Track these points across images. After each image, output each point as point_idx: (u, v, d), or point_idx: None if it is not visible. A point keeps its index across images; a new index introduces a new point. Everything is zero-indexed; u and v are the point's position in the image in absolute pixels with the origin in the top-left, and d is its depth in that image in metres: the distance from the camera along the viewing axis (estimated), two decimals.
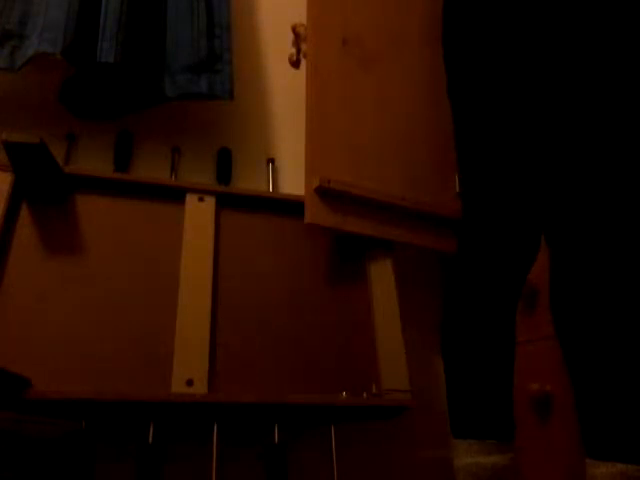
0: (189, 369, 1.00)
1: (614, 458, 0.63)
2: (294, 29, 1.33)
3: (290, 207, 1.24)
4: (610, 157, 0.73)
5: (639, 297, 0.66)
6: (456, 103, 0.93)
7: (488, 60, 0.85)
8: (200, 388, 0.99)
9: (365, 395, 1.08)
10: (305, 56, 1.28)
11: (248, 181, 1.40)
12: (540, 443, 1.13)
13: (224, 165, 1.38)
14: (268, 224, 1.23)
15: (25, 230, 1.05)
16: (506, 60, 0.83)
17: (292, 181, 1.44)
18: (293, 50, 1.34)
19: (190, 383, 0.99)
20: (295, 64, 1.34)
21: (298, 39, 1.32)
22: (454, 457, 0.82)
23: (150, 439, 0.98)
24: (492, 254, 0.86)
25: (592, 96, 0.74)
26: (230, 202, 1.22)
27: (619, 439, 0.64)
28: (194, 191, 1.18)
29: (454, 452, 0.82)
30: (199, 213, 1.17)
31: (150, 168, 1.32)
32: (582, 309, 0.69)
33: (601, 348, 0.66)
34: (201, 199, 1.18)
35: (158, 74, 1.28)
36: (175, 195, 1.17)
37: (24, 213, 1.06)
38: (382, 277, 1.23)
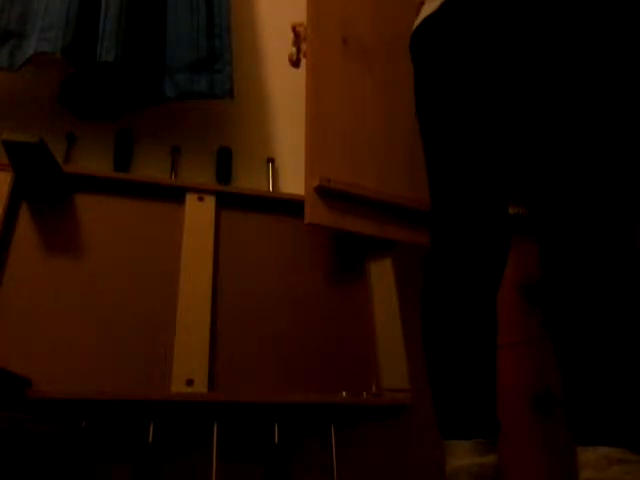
0: (189, 369, 1.00)
1: (598, 442, 0.66)
2: (294, 29, 1.33)
3: (290, 207, 1.24)
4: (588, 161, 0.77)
5: (616, 292, 0.70)
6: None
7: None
8: (200, 388, 0.99)
9: (365, 395, 1.08)
10: (305, 55, 1.28)
11: (248, 181, 1.40)
12: (542, 442, 1.13)
13: (224, 165, 1.38)
14: (268, 224, 1.23)
15: (25, 230, 1.05)
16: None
17: (292, 181, 1.44)
18: (293, 50, 1.34)
19: (190, 383, 0.99)
20: (295, 64, 1.34)
21: (298, 39, 1.32)
22: (447, 460, 0.81)
23: (150, 439, 0.98)
24: (458, 247, 0.88)
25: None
26: (230, 202, 1.22)
27: (602, 425, 0.67)
28: (194, 191, 1.18)
29: (446, 455, 0.82)
30: (199, 213, 1.17)
31: (150, 168, 1.32)
32: (567, 303, 0.73)
33: (586, 343, 0.70)
34: (201, 199, 1.18)
35: (158, 73, 1.28)
36: (175, 195, 1.17)
37: (24, 213, 1.06)
38: (382, 277, 1.23)
